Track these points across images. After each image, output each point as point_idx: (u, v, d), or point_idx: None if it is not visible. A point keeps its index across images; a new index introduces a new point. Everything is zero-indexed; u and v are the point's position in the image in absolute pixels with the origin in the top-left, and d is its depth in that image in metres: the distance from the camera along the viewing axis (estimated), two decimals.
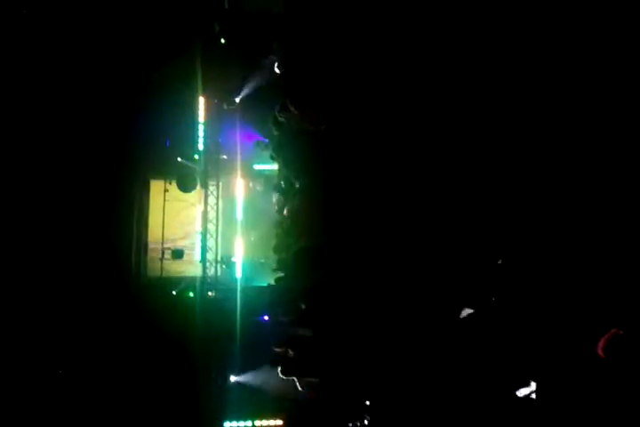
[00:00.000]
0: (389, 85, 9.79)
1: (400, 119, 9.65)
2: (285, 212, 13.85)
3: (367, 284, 10.39)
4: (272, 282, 13.91)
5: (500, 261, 8.89)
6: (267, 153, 15.66)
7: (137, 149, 16.05)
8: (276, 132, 13.27)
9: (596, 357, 6.73)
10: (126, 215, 16.33)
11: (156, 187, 16.15)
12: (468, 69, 8.81)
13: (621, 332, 6.61)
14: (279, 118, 13.14)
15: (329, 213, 10.87)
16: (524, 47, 8.19)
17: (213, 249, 15.36)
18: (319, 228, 11.27)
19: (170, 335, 14.93)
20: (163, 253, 15.62)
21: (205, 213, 15.24)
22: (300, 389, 12.31)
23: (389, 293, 10.30)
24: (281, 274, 13.80)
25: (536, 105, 8.02)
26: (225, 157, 16.11)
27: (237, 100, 15.82)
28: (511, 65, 8.30)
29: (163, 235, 15.75)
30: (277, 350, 12.91)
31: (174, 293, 15.66)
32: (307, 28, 11.49)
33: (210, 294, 15.34)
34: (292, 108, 12.48)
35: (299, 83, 11.56)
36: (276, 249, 13.81)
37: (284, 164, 12.69)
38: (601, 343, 6.63)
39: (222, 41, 15.98)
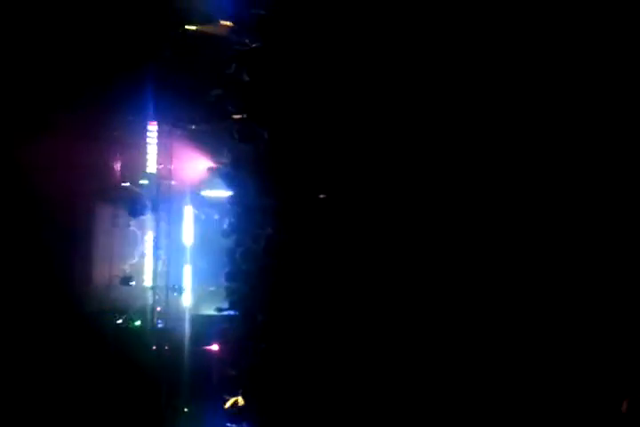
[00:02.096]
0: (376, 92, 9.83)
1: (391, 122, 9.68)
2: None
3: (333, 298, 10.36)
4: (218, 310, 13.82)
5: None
6: (218, 179, 15.56)
7: (81, 174, 15.68)
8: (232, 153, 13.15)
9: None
10: (69, 242, 15.86)
11: (104, 212, 15.73)
12: (466, 66, 8.89)
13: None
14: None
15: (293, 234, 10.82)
16: (524, 47, 8.30)
17: (163, 276, 15.04)
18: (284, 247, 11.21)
19: (116, 367, 14.52)
20: (110, 280, 15.18)
21: (155, 239, 14.94)
22: None
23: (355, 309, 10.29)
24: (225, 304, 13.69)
25: (535, 105, 8.13)
26: (174, 182, 15.88)
27: (190, 125, 15.69)
28: (509, 64, 8.41)
29: (111, 261, 15.31)
30: (228, 398, 12.77)
31: (120, 322, 15.21)
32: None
33: (158, 323, 14.98)
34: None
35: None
36: (229, 276, 13.63)
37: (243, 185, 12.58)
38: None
39: (174, 65, 15.88)
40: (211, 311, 15.21)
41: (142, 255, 15.79)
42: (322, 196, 11.07)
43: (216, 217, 15.35)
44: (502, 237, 8.43)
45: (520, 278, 8.17)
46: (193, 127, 15.62)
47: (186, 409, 14.54)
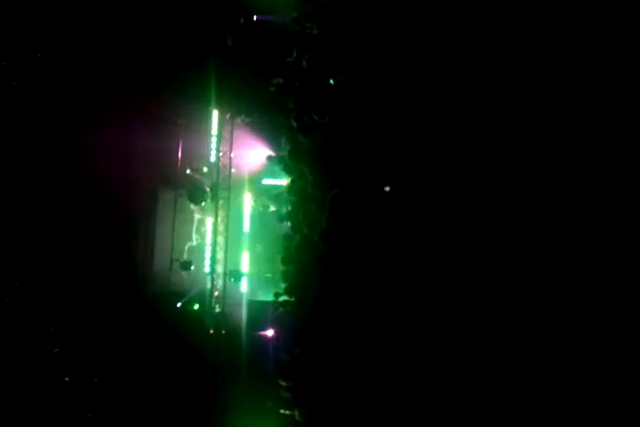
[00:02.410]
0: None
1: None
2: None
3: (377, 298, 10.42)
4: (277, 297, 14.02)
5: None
6: (276, 168, 15.78)
7: (146, 161, 16.11)
8: (290, 144, 13.31)
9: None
10: (133, 227, 16.36)
11: (166, 198, 16.15)
12: (465, 69, 8.83)
13: None
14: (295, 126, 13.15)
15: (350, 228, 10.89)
16: (525, 47, 8.22)
17: (221, 262, 15.32)
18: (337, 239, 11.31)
19: (173, 348, 14.90)
20: (171, 264, 15.59)
21: (215, 225, 15.25)
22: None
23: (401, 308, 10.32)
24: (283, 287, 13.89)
25: (536, 106, 8.06)
26: (234, 170, 16.13)
27: (250, 114, 15.91)
28: (512, 64, 8.34)
29: (172, 246, 15.71)
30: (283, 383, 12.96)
31: (179, 305, 15.61)
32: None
33: (216, 307, 15.29)
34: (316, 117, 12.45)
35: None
36: (285, 261, 13.84)
37: (300, 176, 12.71)
38: None
39: (237, 55, 16.10)
40: (267, 297, 15.48)
41: (202, 241, 16.15)
42: (387, 188, 11.03)
43: (274, 206, 15.57)
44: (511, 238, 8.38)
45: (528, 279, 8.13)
46: (254, 116, 15.84)
47: (239, 393, 14.78)
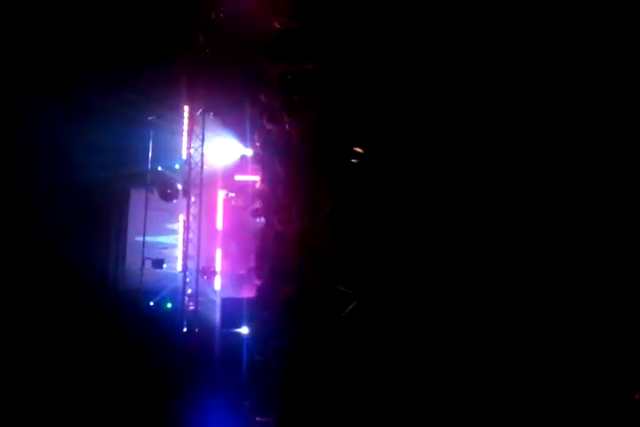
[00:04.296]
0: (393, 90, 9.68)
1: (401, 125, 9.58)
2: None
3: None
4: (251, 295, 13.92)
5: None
6: (249, 165, 15.69)
7: (117, 158, 15.92)
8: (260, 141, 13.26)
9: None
10: (103, 224, 16.17)
11: (137, 196, 15.92)
12: (465, 70, 8.78)
13: None
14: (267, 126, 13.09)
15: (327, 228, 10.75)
16: (524, 47, 8.19)
17: (194, 259, 15.15)
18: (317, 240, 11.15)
19: (144, 347, 14.72)
20: (143, 262, 15.35)
21: (187, 222, 15.07)
22: None
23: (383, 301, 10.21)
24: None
25: (536, 106, 8.03)
26: (206, 166, 15.94)
27: (221, 110, 15.75)
28: (511, 64, 8.30)
29: (143, 244, 15.48)
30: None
31: (152, 303, 15.43)
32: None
33: (190, 305, 15.12)
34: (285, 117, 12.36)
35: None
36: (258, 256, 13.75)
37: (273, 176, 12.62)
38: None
39: (208, 51, 15.94)
40: (240, 294, 15.37)
41: (174, 239, 15.98)
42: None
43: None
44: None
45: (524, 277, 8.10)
46: (225, 112, 15.69)
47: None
